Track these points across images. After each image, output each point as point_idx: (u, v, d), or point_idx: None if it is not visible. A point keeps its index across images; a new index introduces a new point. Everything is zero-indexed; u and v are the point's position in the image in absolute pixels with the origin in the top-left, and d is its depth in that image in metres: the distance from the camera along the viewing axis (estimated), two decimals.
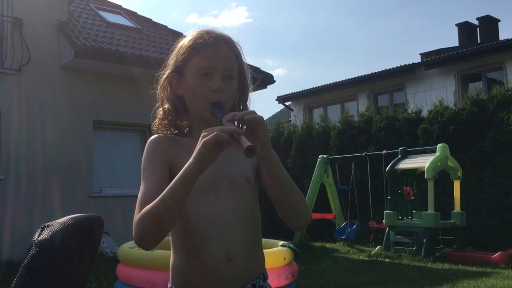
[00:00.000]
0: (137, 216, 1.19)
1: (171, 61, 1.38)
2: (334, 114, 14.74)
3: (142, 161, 1.33)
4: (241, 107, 1.42)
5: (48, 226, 1.04)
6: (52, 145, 8.44)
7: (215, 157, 1.12)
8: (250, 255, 1.32)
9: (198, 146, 1.11)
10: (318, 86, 16.36)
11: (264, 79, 9.97)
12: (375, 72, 14.86)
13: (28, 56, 8.37)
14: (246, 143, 1.07)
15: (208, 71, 1.31)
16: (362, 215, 9.51)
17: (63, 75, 8.80)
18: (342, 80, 15.67)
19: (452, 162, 8.12)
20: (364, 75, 15.12)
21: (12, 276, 1.32)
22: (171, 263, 1.34)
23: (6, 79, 8.26)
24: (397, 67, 14.32)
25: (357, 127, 10.76)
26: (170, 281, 1.34)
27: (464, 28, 17.13)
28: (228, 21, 59.55)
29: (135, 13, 11.59)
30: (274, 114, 23.93)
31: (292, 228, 1.35)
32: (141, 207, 1.19)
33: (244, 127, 1.15)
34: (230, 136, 1.09)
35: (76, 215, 1.13)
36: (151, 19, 11.62)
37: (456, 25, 17.40)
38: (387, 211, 8.55)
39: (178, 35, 11.31)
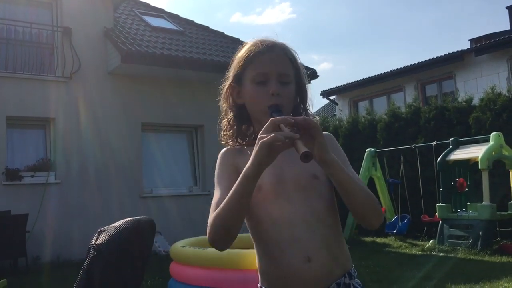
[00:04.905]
0: (209, 221, 1.27)
1: (231, 72, 1.44)
2: (380, 107, 14.43)
3: (215, 174, 1.40)
4: (301, 111, 1.45)
5: (104, 230, 1.09)
6: (103, 148, 8.74)
7: (273, 158, 1.14)
8: (330, 254, 1.30)
9: (256, 148, 1.14)
10: (363, 79, 16.07)
11: (307, 74, 9.89)
12: (422, 61, 14.45)
13: (78, 64, 8.69)
14: (302, 148, 1.07)
15: (264, 77, 1.35)
16: (413, 208, 9.29)
17: (111, 80, 9.08)
18: (387, 71, 15.32)
19: (507, 151, 7.80)
20: (411, 65, 14.71)
21: (72, 276, 1.38)
22: (257, 264, 1.38)
23: (58, 87, 8.61)
24: (445, 54, 13.85)
25: (404, 119, 10.52)
26: (259, 281, 1.38)
27: None
28: (272, 18, 59.51)
29: (178, 15, 11.80)
30: (318, 109, 23.75)
31: (365, 227, 1.36)
32: (213, 212, 1.27)
33: (299, 132, 1.15)
34: (286, 139, 1.11)
35: (130, 218, 1.18)
36: (193, 21, 11.80)
37: (507, 7, 16.65)
38: (440, 203, 8.32)
39: (220, 35, 11.47)
